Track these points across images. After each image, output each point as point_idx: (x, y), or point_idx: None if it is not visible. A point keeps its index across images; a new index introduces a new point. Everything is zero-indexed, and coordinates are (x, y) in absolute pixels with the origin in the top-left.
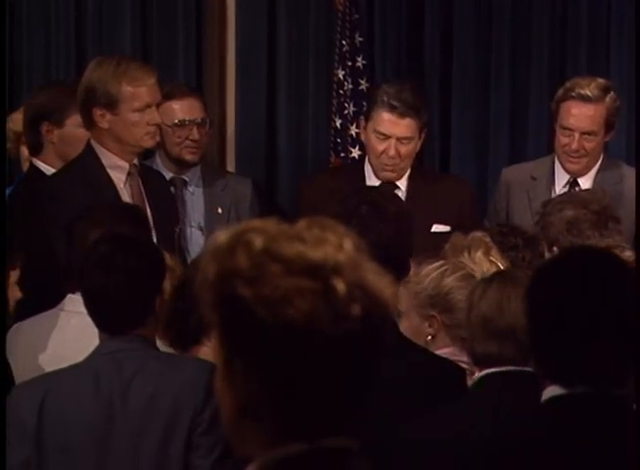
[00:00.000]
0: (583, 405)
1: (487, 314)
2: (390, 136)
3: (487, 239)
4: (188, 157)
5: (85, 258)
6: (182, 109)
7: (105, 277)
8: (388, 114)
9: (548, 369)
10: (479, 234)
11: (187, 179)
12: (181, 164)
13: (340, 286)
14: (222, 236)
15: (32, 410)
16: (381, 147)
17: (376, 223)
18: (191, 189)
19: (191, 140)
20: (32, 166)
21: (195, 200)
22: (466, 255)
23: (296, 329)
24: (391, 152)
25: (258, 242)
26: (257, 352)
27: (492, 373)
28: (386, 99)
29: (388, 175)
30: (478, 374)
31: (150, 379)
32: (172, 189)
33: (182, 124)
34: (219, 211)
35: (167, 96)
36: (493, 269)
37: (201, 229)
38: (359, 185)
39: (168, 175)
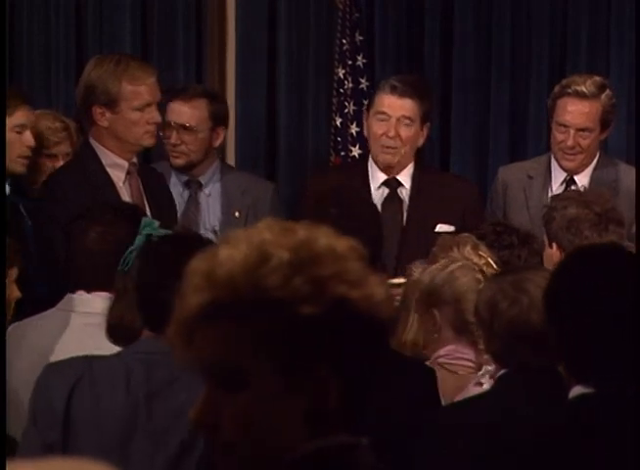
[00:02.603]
0: (609, 404)
1: (514, 317)
2: (391, 116)
3: (474, 237)
4: (171, 160)
5: (144, 257)
6: (172, 109)
7: (161, 276)
8: (389, 94)
9: (574, 369)
10: (465, 234)
11: (202, 182)
12: (171, 166)
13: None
14: (280, 252)
15: (62, 394)
16: (380, 130)
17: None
18: (207, 191)
19: (170, 143)
20: None
21: (211, 202)
22: (455, 250)
23: (386, 328)
24: (391, 132)
25: (342, 244)
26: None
27: (512, 372)
28: (388, 81)
29: (388, 159)
30: (498, 373)
31: (178, 387)
32: (187, 191)
33: (167, 125)
34: (236, 214)
35: (173, 94)
36: (482, 263)
37: (215, 233)
38: (362, 183)
39: (184, 177)
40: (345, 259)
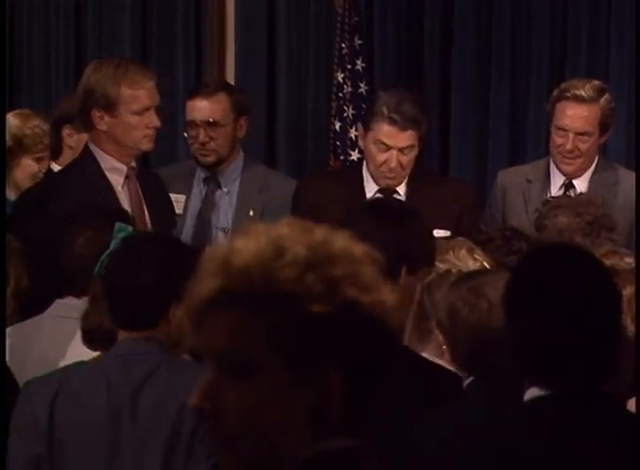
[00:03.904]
0: (564, 406)
1: (475, 323)
2: (392, 147)
3: (470, 242)
4: (200, 158)
5: (114, 253)
6: (194, 107)
7: (132, 272)
8: (389, 126)
9: (528, 371)
10: (461, 238)
11: (220, 179)
12: (200, 164)
13: None
14: (296, 247)
15: (44, 407)
16: (381, 158)
17: (375, 226)
18: (226, 189)
19: (199, 142)
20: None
21: (227, 200)
22: (450, 253)
23: (393, 334)
24: (393, 163)
25: (358, 248)
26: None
27: (480, 378)
28: (385, 111)
29: (390, 183)
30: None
31: (158, 385)
32: (205, 189)
33: (191, 124)
34: (250, 213)
35: (193, 92)
36: (478, 266)
37: (225, 232)
38: (357, 189)
39: (203, 175)
40: (360, 263)
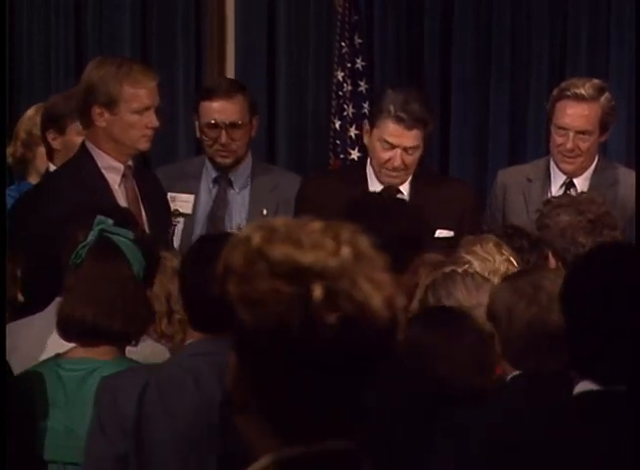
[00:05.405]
0: (615, 402)
1: (532, 317)
2: (397, 146)
3: (496, 237)
4: (219, 160)
5: (188, 257)
6: (212, 109)
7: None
8: (396, 125)
9: (580, 365)
10: (488, 235)
11: (232, 179)
12: (217, 166)
13: (317, 293)
14: (241, 232)
15: (131, 404)
16: (386, 156)
17: (380, 219)
18: (237, 189)
19: (220, 143)
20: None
21: (239, 200)
22: (478, 246)
23: (270, 331)
24: (397, 162)
25: (256, 240)
26: (244, 350)
27: (522, 375)
28: (392, 109)
29: (393, 181)
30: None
31: None
32: (216, 189)
33: (210, 126)
34: (264, 212)
35: (209, 93)
36: (504, 259)
37: (240, 230)
38: (361, 187)
39: (213, 174)
40: (262, 277)
